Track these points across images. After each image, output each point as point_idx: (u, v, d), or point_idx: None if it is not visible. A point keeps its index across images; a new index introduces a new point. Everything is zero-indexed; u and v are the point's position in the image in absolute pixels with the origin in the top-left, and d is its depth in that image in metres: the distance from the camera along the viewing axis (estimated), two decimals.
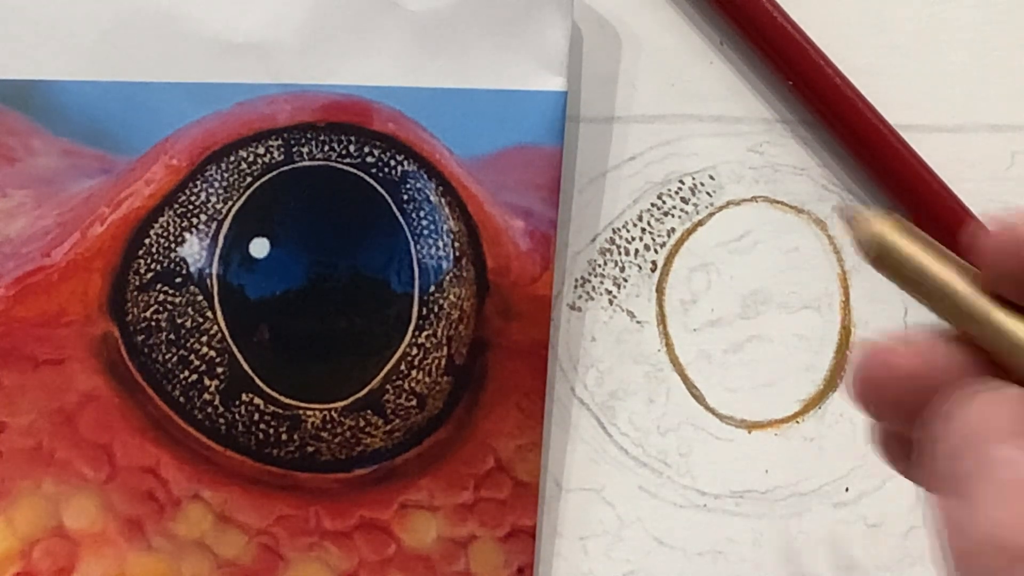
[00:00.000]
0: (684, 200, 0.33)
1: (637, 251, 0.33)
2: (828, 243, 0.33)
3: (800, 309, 0.33)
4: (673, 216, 0.33)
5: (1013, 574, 0.17)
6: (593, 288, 0.33)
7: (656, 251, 0.33)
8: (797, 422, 0.33)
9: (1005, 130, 0.34)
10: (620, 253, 0.33)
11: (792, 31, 0.33)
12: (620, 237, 0.33)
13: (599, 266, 0.33)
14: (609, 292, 0.33)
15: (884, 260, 0.23)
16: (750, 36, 0.33)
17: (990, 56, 0.34)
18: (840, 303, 0.33)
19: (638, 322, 0.33)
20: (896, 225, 0.23)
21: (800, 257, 0.33)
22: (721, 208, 0.33)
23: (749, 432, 0.33)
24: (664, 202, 0.33)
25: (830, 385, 0.33)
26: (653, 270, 0.33)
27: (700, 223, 0.33)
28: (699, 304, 0.33)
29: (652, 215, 0.33)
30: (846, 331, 0.33)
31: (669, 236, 0.33)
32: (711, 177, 0.33)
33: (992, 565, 0.17)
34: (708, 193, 0.33)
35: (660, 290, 0.33)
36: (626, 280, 0.33)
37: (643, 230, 0.33)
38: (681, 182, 0.33)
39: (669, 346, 0.33)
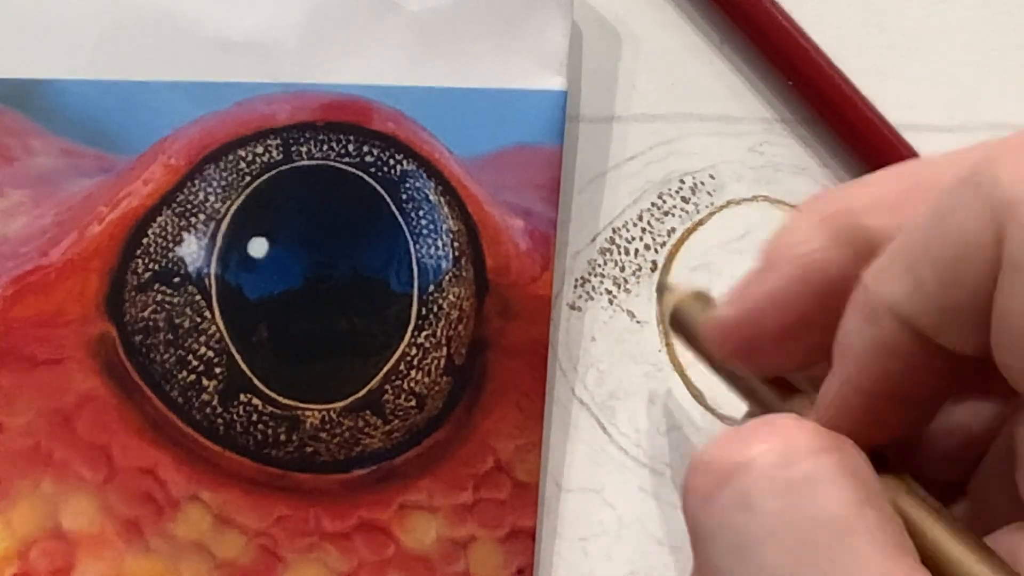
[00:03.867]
0: (684, 200, 0.33)
1: (637, 251, 0.33)
2: None
3: None
4: (673, 216, 0.33)
5: None
6: (593, 288, 0.33)
7: (656, 251, 0.33)
8: None
9: (1005, 130, 0.34)
10: (620, 253, 0.33)
11: (792, 31, 0.33)
12: (620, 237, 0.33)
13: (599, 266, 0.33)
14: (609, 292, 0.33)
15: (675, 324, 0.27)
16: (750, 36, 0.33)
17: (990, 56, 0.34)
18: None
19: (638, 322, 0.33)
20: (693, 297, 0.27)
21: None
22: (721, 208, 0.33)
23: None
24: (664, 202, 0.33)
25: None
26: (653, 270, 0.33)
27: (700, 223, 0.33)
28: None
29: (652, 215, 0.33)
30: None
31: (669, 236, 0.33)
32: (711, 177, 0.33)
33: None
34: (708, 193, 0.33)
35: (660, 290, 0.33)
36: (626, 280, 0.33)
37: (643, 230, 0.33)
38: (681, 182, 0.33)
39: (669, 346, 0.32)
